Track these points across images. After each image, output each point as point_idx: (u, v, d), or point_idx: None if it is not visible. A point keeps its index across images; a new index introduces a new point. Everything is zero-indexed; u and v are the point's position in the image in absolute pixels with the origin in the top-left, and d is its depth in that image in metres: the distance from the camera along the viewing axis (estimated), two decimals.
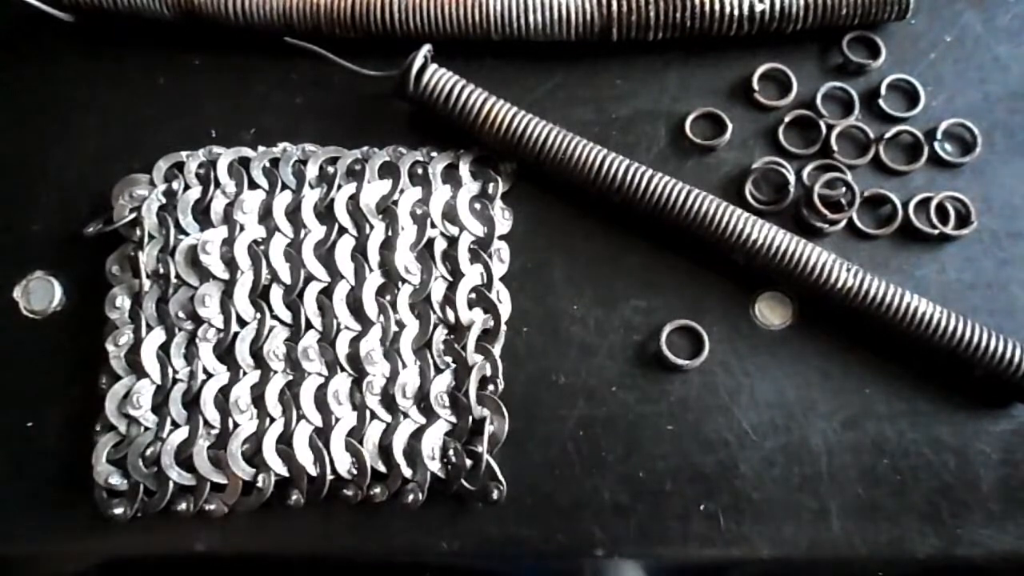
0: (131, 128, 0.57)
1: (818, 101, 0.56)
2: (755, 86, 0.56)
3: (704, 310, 0.52)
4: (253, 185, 0.53)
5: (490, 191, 0.53)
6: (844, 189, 0.53)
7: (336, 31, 0.56)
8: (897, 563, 0.49)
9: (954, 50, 0.58)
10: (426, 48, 0.53)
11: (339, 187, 0.53)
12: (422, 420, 0.50)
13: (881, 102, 0.56)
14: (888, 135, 0.55)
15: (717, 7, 0.54)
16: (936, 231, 0.53)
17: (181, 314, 0.51)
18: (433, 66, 0.53)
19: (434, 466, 0.49)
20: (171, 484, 0.48)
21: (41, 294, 0.54)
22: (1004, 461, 0.50)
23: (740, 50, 0.57)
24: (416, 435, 0.49)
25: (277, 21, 0.56)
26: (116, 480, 0.49)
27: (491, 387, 0.50)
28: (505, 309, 0.52)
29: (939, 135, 0.55)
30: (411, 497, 0.48)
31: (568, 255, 0.54)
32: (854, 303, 0.49)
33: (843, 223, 0.53)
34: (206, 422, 0.49)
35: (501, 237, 0.53)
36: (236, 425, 0.49)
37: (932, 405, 0.51)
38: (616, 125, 0.56)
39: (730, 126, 0.55)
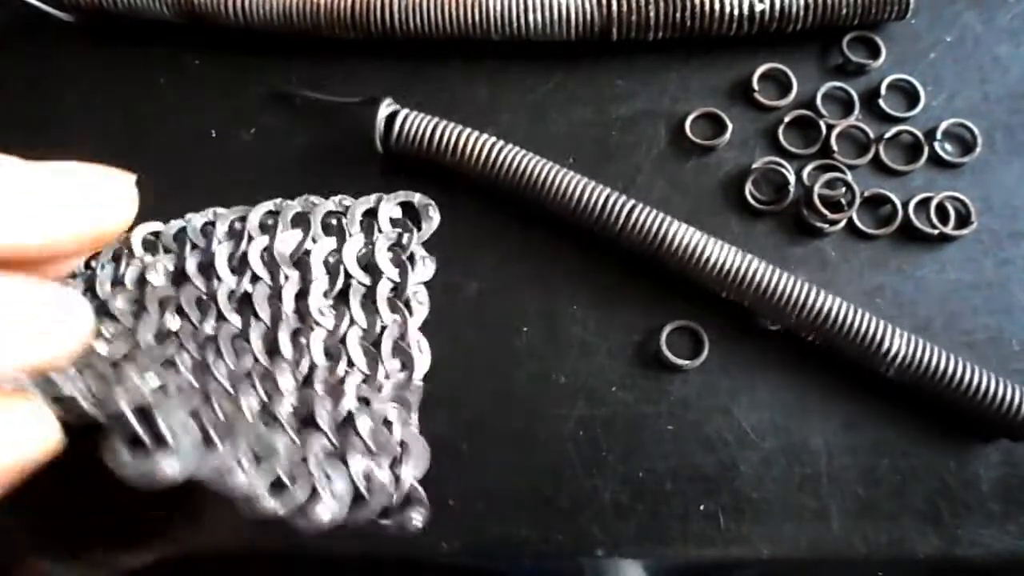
0: (131, 128, 0.57)
1: (818, 101, 0.56)
2: (755, 86, 0.56)
3: (704, 310, 0.52)
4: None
5: (404, 241, 0.52)
6: (844, 189, 0.53)
7: (336, 31, 0.56)
8: (897, 563, 0.49)
9: (954, 50, 0.58)
10: (386, 104, 0.52)
11: (250, 239, 0.51)
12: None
13: (881, 102, 0.56)
14: (888, 135, 0.55)
15: (717, 7, 0.54)
16: (936, 231, 0.53)
17: None
18: (401, 115, 0.52)
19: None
20: None
21: None
22: (1004, 461, 0.50)
23: (740, 50, 0.57)
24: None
25: (277, 21, 0.56)
26: None
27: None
28: (423, 360, 0.50)
29: (939, 135, 0.55)
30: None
31: (568, 255, 0.53)
32: (822, 334, 0.49)
33: (843, 223, 0.53)
34: None
35: (423, 282, 0.52)
36: None
37: (932, 405, 0.50)
38: (616, 125, 0.56)
39: (730, 126, 0.55)
